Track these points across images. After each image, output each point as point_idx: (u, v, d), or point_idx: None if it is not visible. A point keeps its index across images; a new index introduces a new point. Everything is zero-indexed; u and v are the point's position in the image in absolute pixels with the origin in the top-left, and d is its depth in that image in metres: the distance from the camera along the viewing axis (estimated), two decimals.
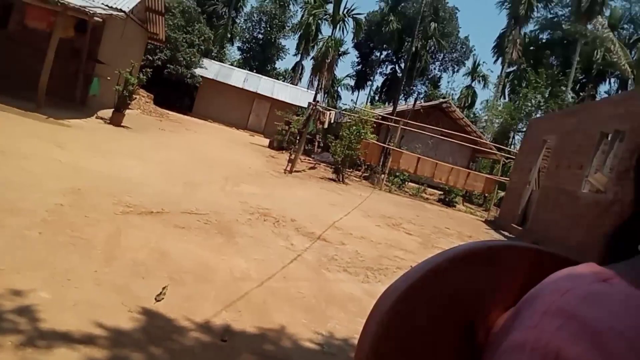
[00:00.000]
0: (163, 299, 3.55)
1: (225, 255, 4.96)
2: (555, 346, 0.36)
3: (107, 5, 14.20)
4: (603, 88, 33.95)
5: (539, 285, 0.45)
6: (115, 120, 13.67)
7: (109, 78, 14.81)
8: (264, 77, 33.81)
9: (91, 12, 11.50)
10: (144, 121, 17.15)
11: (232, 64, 37.59)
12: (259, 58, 41.92)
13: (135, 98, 15.86)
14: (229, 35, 40.84)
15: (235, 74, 31.68)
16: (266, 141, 23.19)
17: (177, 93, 28.08)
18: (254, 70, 37.55)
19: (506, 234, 13.31)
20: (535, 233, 11.88)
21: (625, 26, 33.08)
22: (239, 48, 44.20)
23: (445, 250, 0.52)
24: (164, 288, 3.69)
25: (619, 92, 27.64)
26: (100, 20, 12.48)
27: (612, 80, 32.64)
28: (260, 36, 42.54)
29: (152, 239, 4.82)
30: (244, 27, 43.46)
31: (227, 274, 4.46)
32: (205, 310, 3.57)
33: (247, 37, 43.11)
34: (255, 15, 42.72)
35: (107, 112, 14.03)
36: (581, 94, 28.05)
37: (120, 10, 14.70)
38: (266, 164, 15.65)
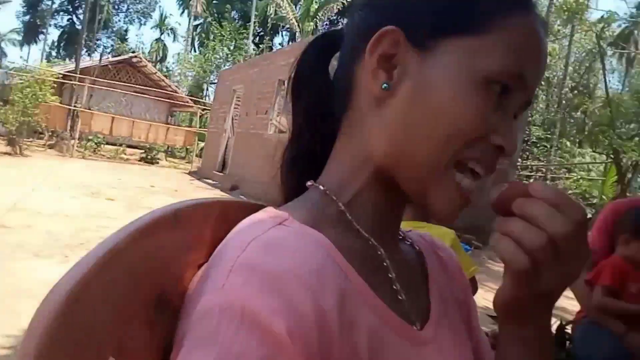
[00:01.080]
0: None
1: None
2: (241, 302, 0.37)
3: None
4: (278, 40, 38.15)
5: (225, 240, 0.46)
6: None
7: None
8: None
9: None
10: None
11: None
12: None
13: None
14: None
15: None
16: None
17: None
18: None
19: (210, 181, 13.96)
20: (234, 176, 12.86)
21: None
22: None
23: (126, 225, 0.47)
24: None
25: (290, 43, 31.52)
26: None
27: (284, 33, 36.89)
28: None
29: None
30: None
31: None
32: None
33: None
34: None
35: None
36: (260, 45, 30.74)
37: None
38: None
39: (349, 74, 0.52)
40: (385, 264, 0.50)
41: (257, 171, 11.39)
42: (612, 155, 10.97)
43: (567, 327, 1.93)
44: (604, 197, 12.22)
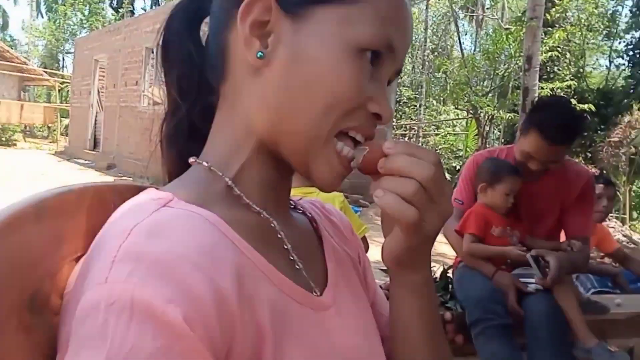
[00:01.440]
0: None
1: None
2: (129, 294, 0.35)
3: None
4: (139, 4, 35.33)
5: (104, 228, 0.42)
6: None
7: None
8: None
9: None
10: None
11: None
12: None
13: None
14: None
15: None
16: None
17: None
18: None
19: (81, 161, 12.89)
20: (109, 154, 12.00)
21: None
22: None
23: None
24: None
25: (153, 7, 29.38)
26: None
27: None
28: None
29: None
30: None
31: None
32: None
33: None
34: None
35: None
36: (120, 10, 28.23)
37: None
38: None
39: (221, 41, 0.50)
40: (279, 236, 0.50)
41: (134, 147, 10.72)
42: (471, 111, 12.14)
43: (448, 271, 2.12)
44: (468, 149, 13.55)
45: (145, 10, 30.68)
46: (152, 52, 10.83)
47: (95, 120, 13.69)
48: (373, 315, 0.59)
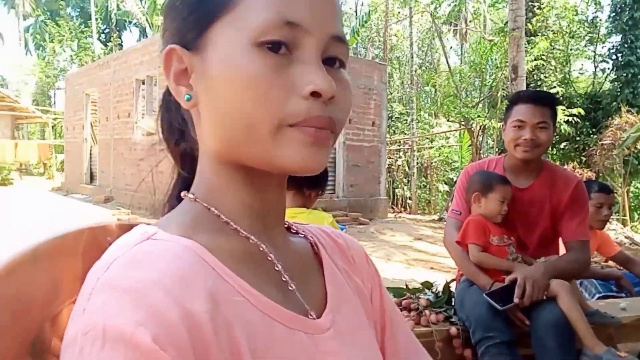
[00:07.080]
0: None
1: None
2: (102, 322, 0.36)
3: None
4: (129, 37, 35.53)
5: (94, 266, 0.43)
6: None
7: None
8: None
9: None
10: None
11: None
12: None
13: None
14: None
15: None
16: None
17: None
18: None
19: (79, 195, 12.83)
20: (106, 187, 11.99)
21: None
22: None
23: None
24: None
25: (141, 40, 29.64)
26: None
27: (132, 29, 34.48)
28: None
29: None
30: None
31: None
32: None
33: None
34: None
35: None
36: (108, 44, 28.50)
37: None
38: None
39: None
40: (269, 258, 0.51)
41: (131, 179, 10.72)
42: (463, 123, 12.22)
43: (451, 284, 2.10)
44: (463, 160, 13.59)
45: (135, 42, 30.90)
46: (143, 84, 10.92)
47: (90, 154, 13.70)
48: (385, 339, 0.60)
